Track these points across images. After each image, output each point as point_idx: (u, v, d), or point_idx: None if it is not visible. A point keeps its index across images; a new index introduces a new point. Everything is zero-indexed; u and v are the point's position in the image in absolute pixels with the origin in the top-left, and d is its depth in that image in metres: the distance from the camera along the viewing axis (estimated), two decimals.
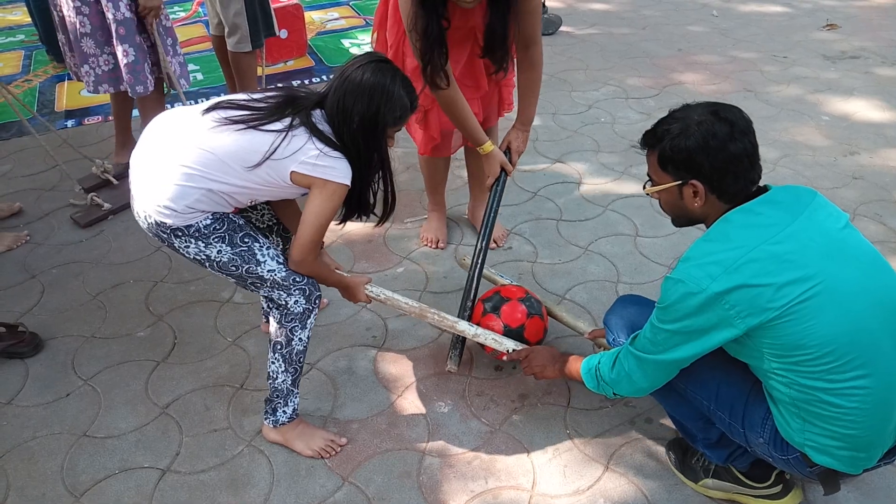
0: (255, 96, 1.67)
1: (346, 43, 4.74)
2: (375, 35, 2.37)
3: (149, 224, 1.63)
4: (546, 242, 2.68)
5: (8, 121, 3.61)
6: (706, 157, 1.37)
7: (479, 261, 2.13)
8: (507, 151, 2.28)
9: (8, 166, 3.26)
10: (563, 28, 4.84)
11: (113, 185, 3.05)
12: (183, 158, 1.58)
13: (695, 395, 1.57)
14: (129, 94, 2.73)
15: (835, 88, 3.93)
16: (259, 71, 3.56)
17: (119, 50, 2.61)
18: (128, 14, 2.56)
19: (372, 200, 1.76)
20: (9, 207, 2.90)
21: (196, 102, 3.84)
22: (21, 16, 5.19)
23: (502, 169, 2.23)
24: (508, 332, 1.94)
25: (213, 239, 1.63)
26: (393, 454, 1.85)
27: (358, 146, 1.62)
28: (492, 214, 2.21)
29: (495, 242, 2.64)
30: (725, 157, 1.36)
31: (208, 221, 1.62)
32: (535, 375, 1.79)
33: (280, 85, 1.43)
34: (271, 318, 1.76)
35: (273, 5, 4.11)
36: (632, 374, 1.50)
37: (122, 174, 3.16)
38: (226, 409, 1.99)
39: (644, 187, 1.54)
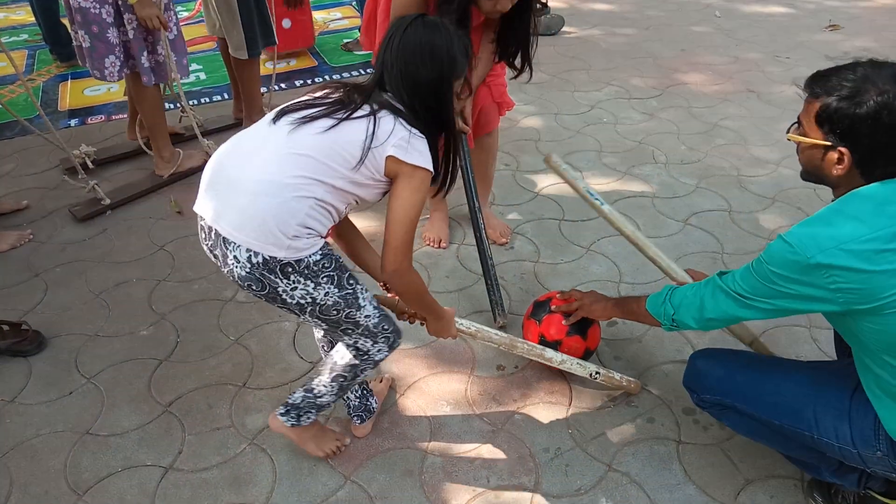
0: (317, 95, 1.52)
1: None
2: (363, 40, 2.36)
3: (252, 265, 1.42)
4: (548, 242, 2.68)
5: (11, 119, 3.61)
6: (871, 132, 1.23)
7: (480, 221, 2.30)
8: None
9: (11, 165, 3.27)
10: (565, 28, 4.84)
11: (93, 170, 3.07)
12: (277, 174, 1.40)
13: (794, 430, 1.47)
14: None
15: None
16: (269, 70, 3.54)
17: (80, 33, 2.66)
18: (86, 4, 2.55)
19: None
20: (16, 203, 2.91)
21: (199, 102, 3.87)
22: (24, 15, 5.21)
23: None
24: (543, 343, 1.94)
25: (322, 278, 1.48)
26: (395, 453, 1.85)
27: (432, 111, 1.48)
28: (469, 175, 2.33)
29: (494, 241, 2.64)
30: (891, 137, 1.23)
31: (318, 257, 1.46)
32: (589, 314, 1.86)
33: (332, 80, 1.40)
34: (344, 353, 1.65)
35: None
36: (705, 301, 1.46)
37: (101, 160, 3.18)
38: (228, 407, 1.99)
39: (788, 130, 1.41)
